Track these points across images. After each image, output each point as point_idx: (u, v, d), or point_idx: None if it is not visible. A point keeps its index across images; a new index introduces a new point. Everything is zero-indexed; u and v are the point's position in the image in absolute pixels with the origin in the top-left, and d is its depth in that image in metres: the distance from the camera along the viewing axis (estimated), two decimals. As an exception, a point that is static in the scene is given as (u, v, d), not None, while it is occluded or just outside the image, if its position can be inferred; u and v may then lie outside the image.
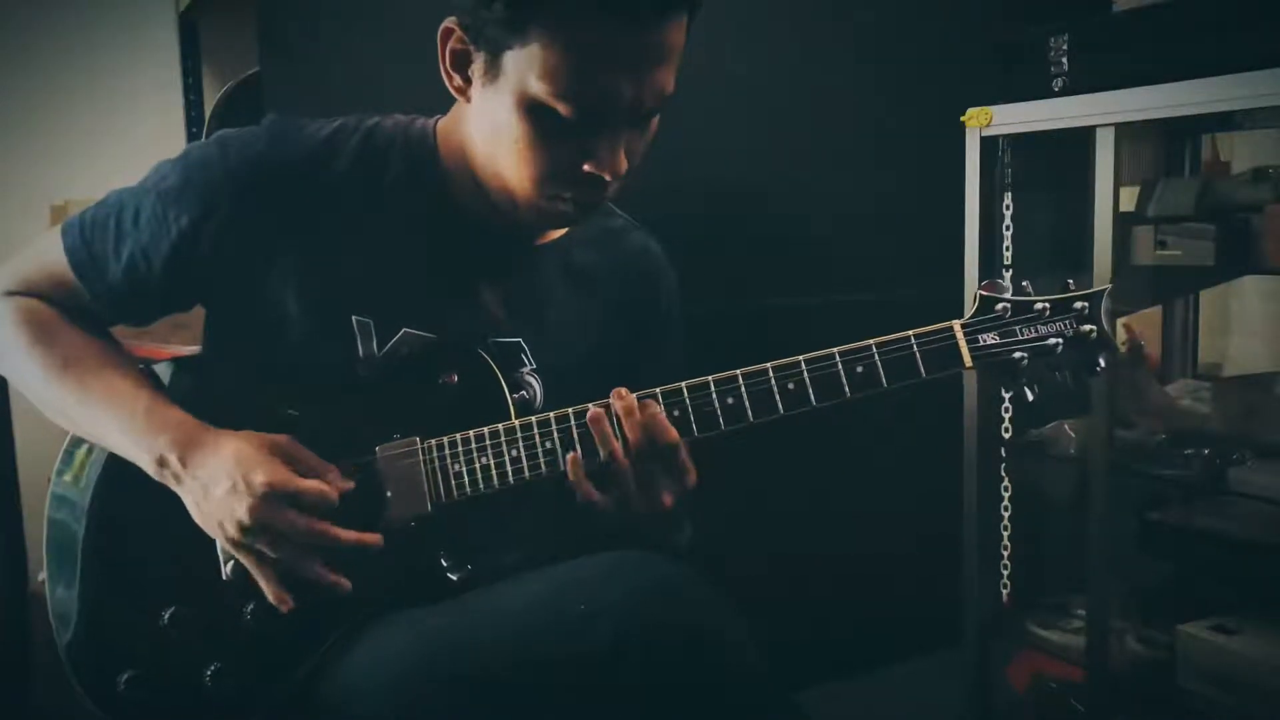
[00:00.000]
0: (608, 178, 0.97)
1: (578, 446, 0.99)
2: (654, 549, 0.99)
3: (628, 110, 0.95)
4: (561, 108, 0.93)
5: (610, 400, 0.99)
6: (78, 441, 1.10)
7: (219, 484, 0.96)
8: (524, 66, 0.92)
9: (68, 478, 1.09)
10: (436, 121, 1.09)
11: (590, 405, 0.99)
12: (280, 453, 0.98)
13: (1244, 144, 1.94)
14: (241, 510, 0.95)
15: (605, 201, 1.04)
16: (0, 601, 1.76)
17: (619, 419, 0.98)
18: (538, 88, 0.92)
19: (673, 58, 0.95)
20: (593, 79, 0.92)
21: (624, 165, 0.97)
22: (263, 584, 0.98)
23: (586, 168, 0.96)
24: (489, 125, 0.98)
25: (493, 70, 0.95)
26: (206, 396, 1.05)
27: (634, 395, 0.99)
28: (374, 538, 0.99)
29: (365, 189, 1.05)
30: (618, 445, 0.98)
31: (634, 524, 1.01)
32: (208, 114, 2.12)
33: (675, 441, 0.98)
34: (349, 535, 0.97)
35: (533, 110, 0.94)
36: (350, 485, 1.01)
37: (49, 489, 1.09)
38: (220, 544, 1.00)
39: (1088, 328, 1.00)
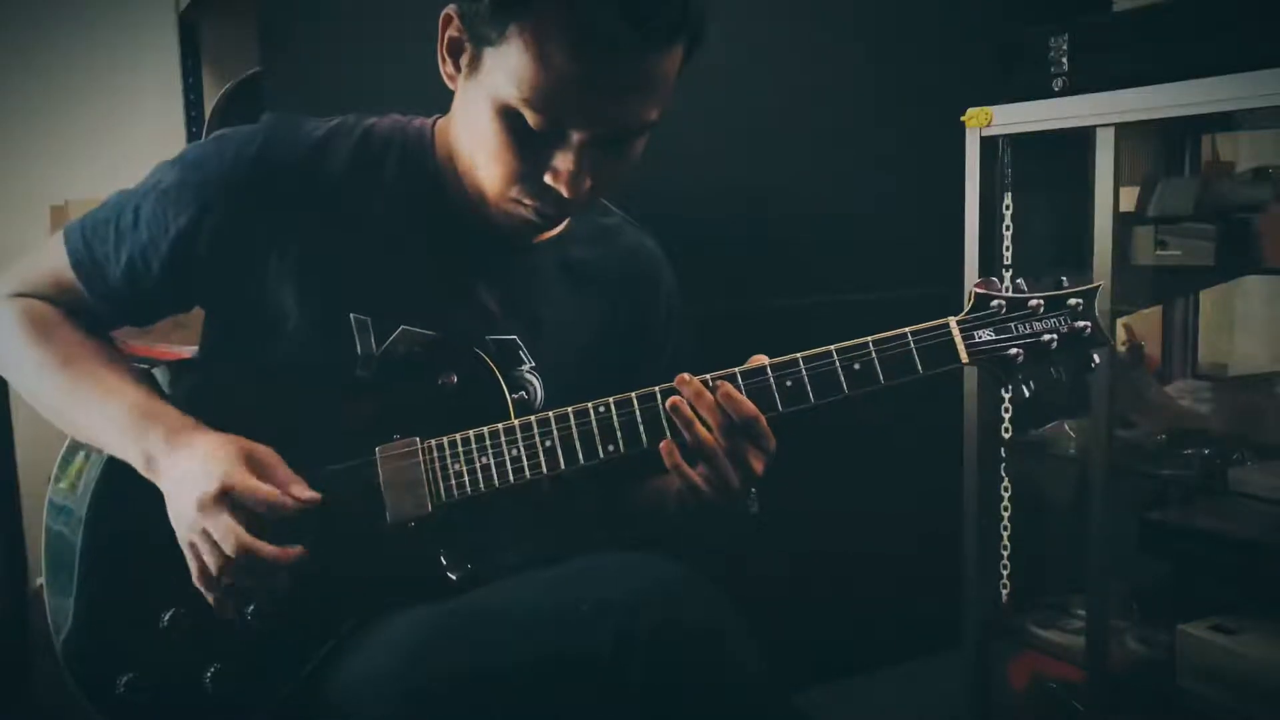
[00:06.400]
0: (567, 194, 0.95)
1: (667, 433, 0.98)
2: (726, 525, 1.00)
3: (600, 133, 0.93)
4: (529, 116, 0.91)
5: (676, 386, 0.97)
6: (75, 448, 1.10)
7: (187, 482, 0.96)
8: (499, 66, 0.91)
9: (65, 485, 1.09)
10: (435, 120, 1.09)
11: (657, 389, 0.98)
12: (251, 460, 0.97)
13: (1244, 144, 1.94)
14: (193, 510, 0.95)
15: (570, 214, 1.01)
16: (0, 603, 1.76)
17: (693, 404, 0.97)
18: (508, 91, 0.91)
19: (657, 87, 0.93)
20: (563, 96, 0.90)
21: (586, 185, 0.96)
22: (198, 584, 0.98)
23: (547, 179, 0.95)
24: (469, 119, 0.98)
25: (475, 64, 0.95)
26: (204, 398, 1.05)
27: (697, 379, 0.97)
28: (294, 551, 0.96)
29: (362, 187, 1.05)
30: (701, 428, 0.96)
31: (718, 501, 1.00)
32: (208, 114, 2.12)
33: (755, 413, 0.97)
34: (269, 550, 0.95)
35: (503, 111, 0.93)
36: (316, 496, 0.98)
37: (47, 496, 1.09)
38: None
39: (1082, 324, 0.99)
